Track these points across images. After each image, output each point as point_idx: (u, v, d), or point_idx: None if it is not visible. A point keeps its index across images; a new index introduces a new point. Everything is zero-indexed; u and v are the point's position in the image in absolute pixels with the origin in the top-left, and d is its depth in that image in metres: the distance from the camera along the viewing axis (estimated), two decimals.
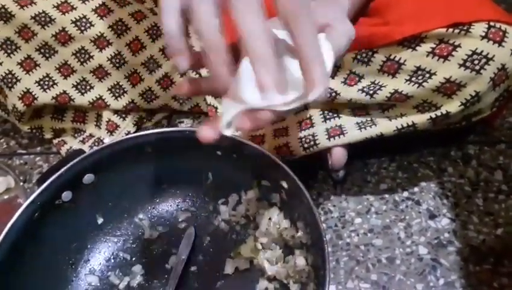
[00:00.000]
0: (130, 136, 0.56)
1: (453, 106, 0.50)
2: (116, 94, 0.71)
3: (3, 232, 0.48)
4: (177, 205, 0.61)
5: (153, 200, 0.61)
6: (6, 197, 0.69)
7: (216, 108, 0.68)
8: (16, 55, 0.65)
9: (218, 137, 0.35)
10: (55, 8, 0.64)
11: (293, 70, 0.35)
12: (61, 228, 0.54)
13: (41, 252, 0.52)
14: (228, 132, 0.34)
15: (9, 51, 0.65)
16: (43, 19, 0.63)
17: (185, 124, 0.78)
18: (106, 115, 0.72)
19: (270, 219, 0.55)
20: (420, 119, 0.53)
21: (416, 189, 0.63)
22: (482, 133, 0.68)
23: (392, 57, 0.52)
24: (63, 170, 0.53)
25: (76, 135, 0.74)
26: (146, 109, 0.75)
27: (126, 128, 0.73)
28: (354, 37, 0.41)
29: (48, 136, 0.73)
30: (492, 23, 0.47)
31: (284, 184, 0.52)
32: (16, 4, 0.62)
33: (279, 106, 0.33)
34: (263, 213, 0.56)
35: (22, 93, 0.66)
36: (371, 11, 0.56)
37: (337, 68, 0.56)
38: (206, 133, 0.35)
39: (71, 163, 0.53)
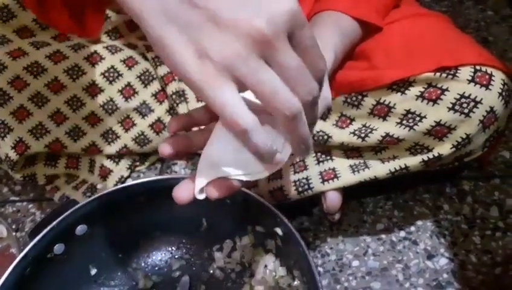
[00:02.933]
0: (122, 186, 0.56)
1: (444, 149, 0.50)
2: (109, 140, 0.71)
3: None
4: (171, 253, 0.60)
5: (146, 248, 0.60)
6: None
7: None
8: (9, 105, 0.65)
9: (191, 200, 0.35)
10: (47, 58, 0.64)
11: None
12: (53, 281, 0.53)
13: None
14: (201, 197, 0.35)
15: (1, 101, 0.64)
16: (35, 69, 0.64)
17: (179, 166, 0.78)
18: (99, 160, 0.72)
19: (266, 266, 0.54)
20: (413, 161, 0.53)
21: (412, 228, 0.63)
22: (476, 169, 0.68)
23: (382, 101, 0.52)
24: (55, 222, 0.52)
25: (69, 181, 0.73)
26: (139, 152, 0.74)
27: (119, 172, 0.73)
28: (330, 106, 0.42)
29: (41, 182, 0.73)
30: (478, 67, 0.48)
31: (279, 231, 0.51)
32: (9, 56, 0.63)
33: (249, 176, 0.35)
34: (258, 260, 0.55)
35: (15, 142, 0.65)
36: (357, 54, 0.57)
37: (328, 111, 0.57)
38: (182, 195, 0.35)
39: (63, 215, 0.53)
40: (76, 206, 0.54)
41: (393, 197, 0.67)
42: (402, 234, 0.62)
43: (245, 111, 0.29)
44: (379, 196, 0.68)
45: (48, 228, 0.52)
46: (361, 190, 0.64)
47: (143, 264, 0.59)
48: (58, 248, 0.53)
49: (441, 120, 0.49)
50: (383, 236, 0.63)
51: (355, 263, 0.60)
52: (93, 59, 0.67)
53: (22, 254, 0.50)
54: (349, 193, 0.62)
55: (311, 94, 0.31)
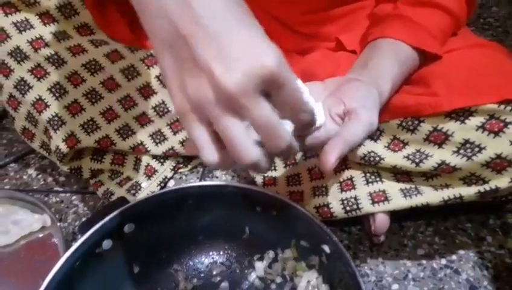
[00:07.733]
0: (174, 187, 0.57)
1: (502, 182, 0.50)
2: (157, 140, 0.72)
3: (46, 282, 0.48)
4: (212, 258, 0.61)
5: (189, 251, 0.61)
6: (41, 235, 0.69)
7: None
8: (64, 99, 0.67)
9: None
10: (105, 57, 0.66)
11: None
12: (99, 276, 0.54)
13: None
14: None
15: (57, 95, 0.66)
16: (93, 66, 0.65)
17: (220, 171, 0.78)
18: (145, 159, 0.73)
19: (308, 281, 0.54)
20: (468, 192, 0.52)
21: (454, 257, 0.62)
22: None
23: (439, 128, 0.52)
24: (107, 218, 0.53)
25: (113, 177, 0.75)
26: (184, 155, 0.75)
27: (164, 173, 0.74)
28: (375, 129, 0.44)
29: (85, 176, 0.74)
30: None
31: (326, 248, 0.51)
32: (69, 52, 0.64)
33: None
34: (301, 275, 0.55)
35: (67, 135, 0.67)
36: (415, 79, 0.57)
37: (380, 132, 0.57)
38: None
39: (116, 212, 0.54)
40: (128, 205, 0.55)
41: (434, 224, 0.67)
42: (443, 261, 0.62)
43: (208, 147, 0.33)
44: (420, 221, 0.67)
45: (100, 223, 0.53)
46: (402, 213, 0.64)
47: (184, 266, 0.60)
48: (107, 244, 0.54)
49: (501, 153, 0.48)
50: (424, 262, 0.62)
51: (395, 286, 0.60)
52: (148, 61, 0.68)
53: (73, 247, 0.51)
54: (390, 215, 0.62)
55: (279, 148, 0.33)
